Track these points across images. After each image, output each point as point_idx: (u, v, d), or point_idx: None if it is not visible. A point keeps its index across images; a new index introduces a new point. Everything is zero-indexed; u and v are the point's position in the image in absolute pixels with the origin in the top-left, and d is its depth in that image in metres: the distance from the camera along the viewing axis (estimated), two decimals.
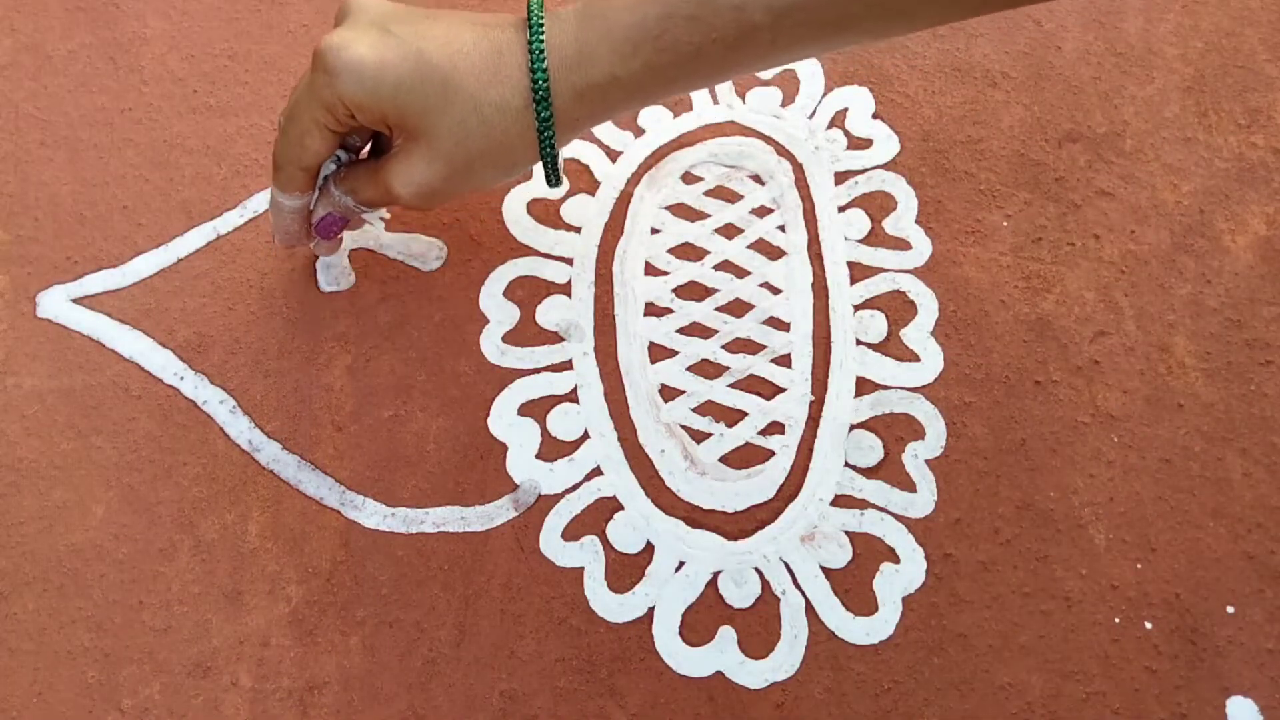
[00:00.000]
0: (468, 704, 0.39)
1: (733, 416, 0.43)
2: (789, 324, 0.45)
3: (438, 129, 0.34)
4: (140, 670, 0.40)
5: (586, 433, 0.43)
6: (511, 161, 0.36)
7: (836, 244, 0.46)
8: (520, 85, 0.34)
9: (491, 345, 0.44)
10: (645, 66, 0.33)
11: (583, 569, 0.41)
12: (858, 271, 0.46)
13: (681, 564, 0.41)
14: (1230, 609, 0.40)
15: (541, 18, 0.34)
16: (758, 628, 0.40)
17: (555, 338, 0.45)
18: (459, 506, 0.42)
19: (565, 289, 0.45)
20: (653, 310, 0.45)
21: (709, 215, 0.47)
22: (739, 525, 0.42)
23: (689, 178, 0.47)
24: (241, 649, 0.40)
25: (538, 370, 0.44)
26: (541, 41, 0.34)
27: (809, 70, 0.49)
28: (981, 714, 0.39)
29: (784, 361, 0.44)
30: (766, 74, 0.49)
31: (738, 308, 0.45)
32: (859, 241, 0.46)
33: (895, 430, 0.43)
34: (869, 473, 0.42)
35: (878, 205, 0.47)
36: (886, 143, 0.48)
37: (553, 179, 0.38)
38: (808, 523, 0.42)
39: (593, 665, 0.40)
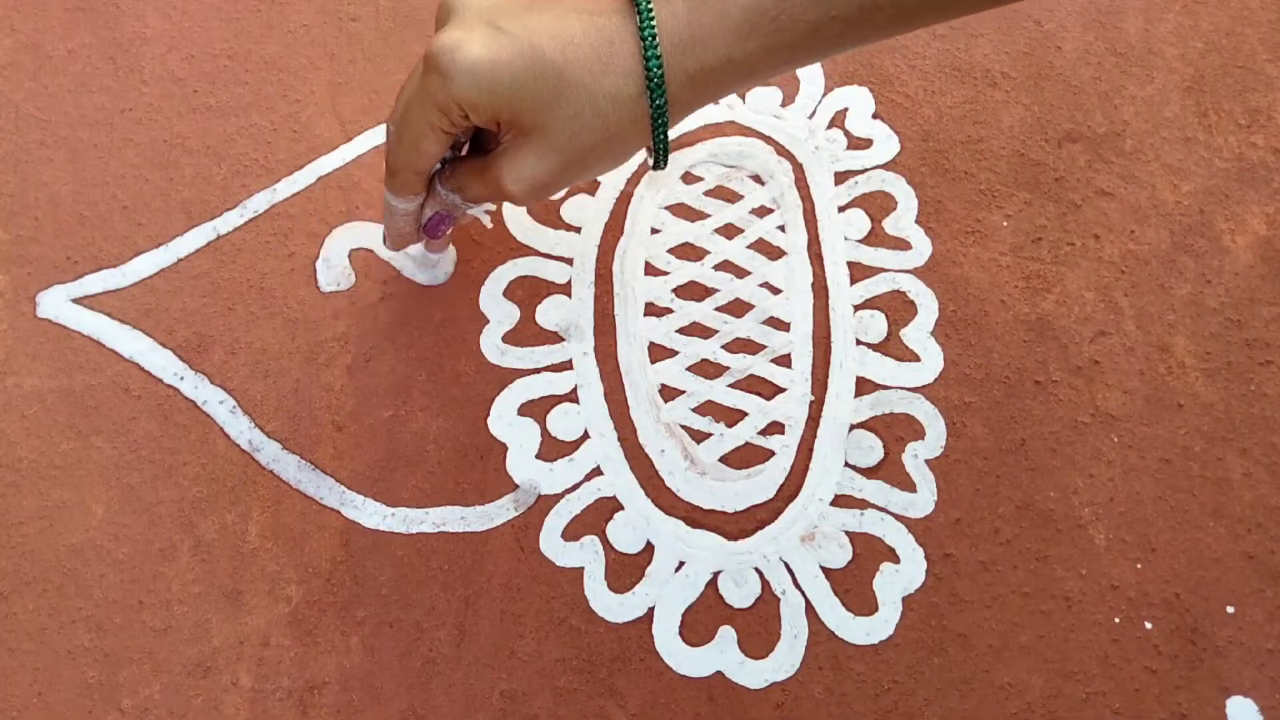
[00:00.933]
0: (468, 704, 0.39)
1: (733, 416, 0.43)
2: (789, 324, 0.45)
3: (552, 123, 0.34)
4: (140, 670, 0.40)
5: (586, 433, 0.43)
6: (624, 150, 0.36)
7: (836, 244, 0.46)
8: (634, 73, 0.33)
9: (491, 345, 0.44)
10: (761, 48, 0.33)
11: (583, 569, 0.41)
12: (858, 271, 0.46)
13: (681, 564, 0.41)
14: (1230, 609, 0.40)
15: (650, 4, 0.33)
16: (758, 628, 0.40)
17: (555, 338, 0.45)
18: (459, 506, 0.42)
19: (565, 289, 0.45)
20: (653, 310, 0.45)
21: (709, 215, 0.47)
22: (739, 525, 0.42)
23: (689, 178, 0.47)
24: (241, 649, 0.40)
25: (538, 370, 0.44)
26: (653, 26, 0.33)
27: (809, 70, 0.49)
28: (981, 714, 0.39)
29: (784, 361, 0.44)
30: None
31: (738, 308, 0.45)
32: (859, 241, 0.46)
33: (895, 430, 0.43)
34: (869, 473, 0.42)
35: (878, 205, 0.47)
36: (886, 143, 0.48)
37: (662, 161, 0.37)
38: (808, 523, 0.42)
39: (593, 665, 0.40)
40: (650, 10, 0.33)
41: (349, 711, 0.39)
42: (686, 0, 0.33)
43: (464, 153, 0.39)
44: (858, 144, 0.48)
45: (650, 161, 0.37)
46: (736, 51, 0.33)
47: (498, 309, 0.45)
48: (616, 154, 0.36)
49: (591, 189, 0.47)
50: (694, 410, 0.43)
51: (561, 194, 0.47)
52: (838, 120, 0.49)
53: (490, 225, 0.46)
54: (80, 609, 0.40)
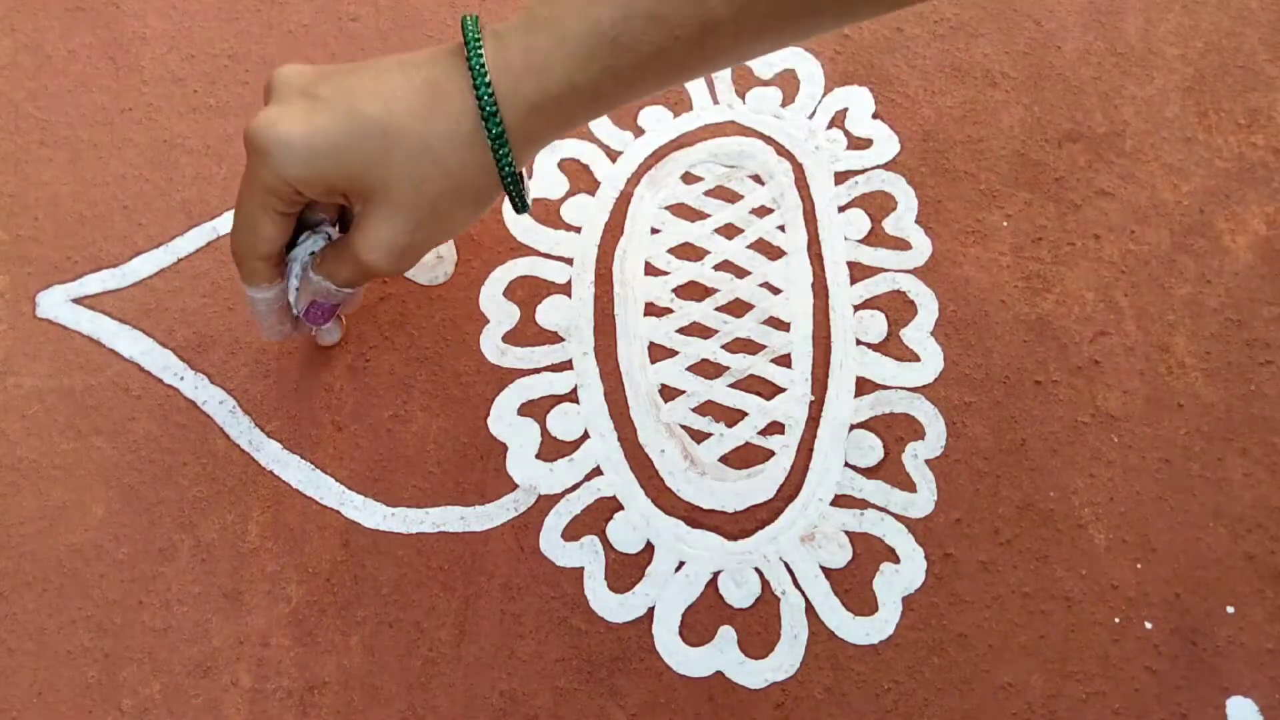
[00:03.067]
0: (468, 704, 0.39)
1: (733, 416, 0.43)
2: (789, 324, 0.45)
3: (389, 182, 0.32)
4: (140, 670, 0.40)
5: (586, 433, 0.43)
6: (476, 193, 0.34)
7: (836, 244, 0.46)
8: (467, 110, 0.32)
9: (491, 345, 0.44)
10: (604, 71, 0.31)
11: (583, 569, 0.41)
12: (858, 271, 0.46)
13: (681, 564, 0.41)
14: (1230, 609, 0.40)
15: (478, 33, 0.32)
16: (758, 628, 0.40)
17: (555, 338, 0.45)
18: (459, 506, 0.42)
19: (565, 289, 0.45)
20: (653, 310, 0.45)
21: (709, 215, 0.47)
22: (739, 525, 0.42)
23: (689, 178, 0.47)
24: (241, 649, 0.40)
25: (538, 370, 0.44)
26: (481, 57, 0.32)
27: (809, 70, 0.49)
28: (981, 714, 0.39)
29: (784, 361, 0.44)
30: (766, 74, 0.49)
31: (738, 308, 0.45)
32: (859, 241, 0.46)
33: (895, 430, 0.43)
34: (869, 473, 0.42)
35: (878, 205, 0.47)
36: (886, 143, 0.48)
37: (519, 204, 0.35)
38: (808, 523, 0.42)
39: (593, 665, 0.40)
40: (479, 42, 0.32)
41: (349, 711, 0.39)
42: (519, 30, 0.32)
43: (334, 236, 0.38)
44: (858, 144, 0.48)
45: (512, 205, 0.35)
46: (579, 77, 0.31)
47: (498, 309, 0.45)
48: (470, 200, 0.34)
49: (591, 189, 0.47)
50: (694, 410, 0.43)
51: (561, 194, 0.47)
52: (838, 120, 0.49)
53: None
54: (80, 609, 0.40)
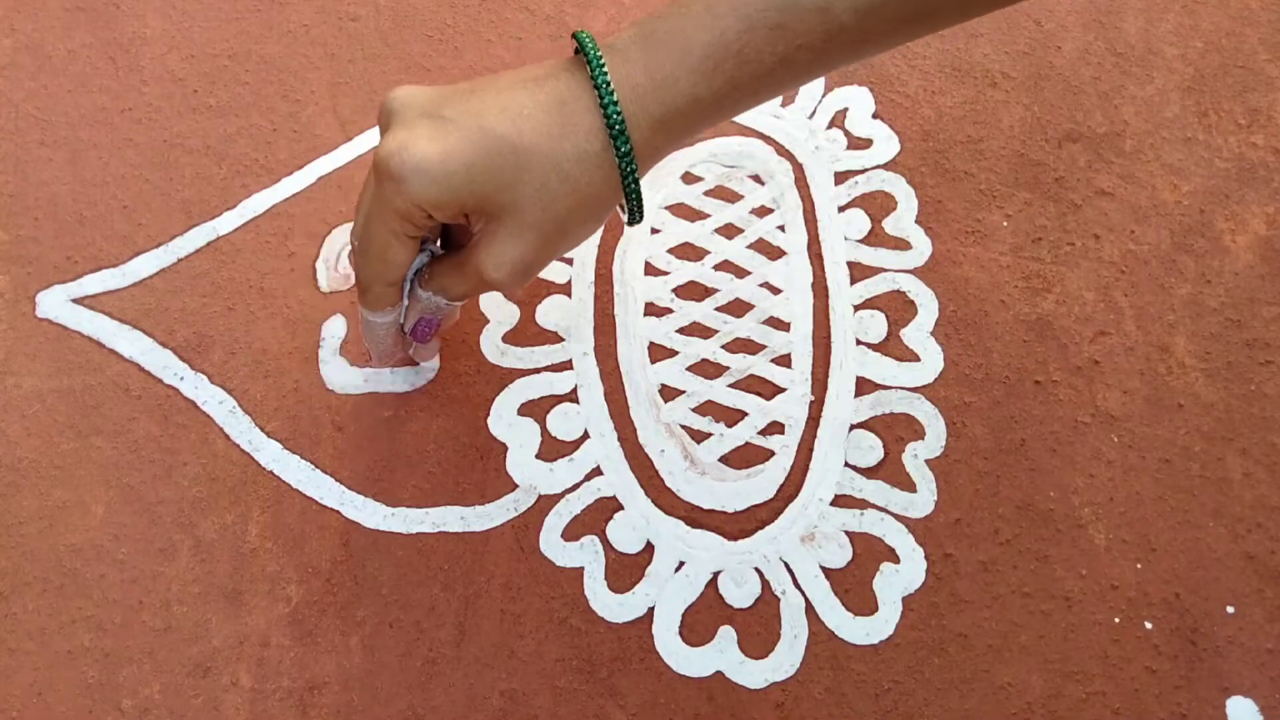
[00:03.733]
0: (468, 704, 0.39)
1: (733, 416, 0.43)
2: (789, 324, 0.45)
3: (520, 201, 0.32)
4: (140, 670, 0.40)
5: (586, 433, 0.43)
6: (600, 209, 0.34)
7: (836, 244, 0.46)
8: (595, 128, 0.32)
9: (491, 345, 0.44)
10: (728, 83, 0.31)
11: (583, 569, 0.41)
12: (858, 271, 0.46)
13: (681, 564, 0.41)
14: (1230, 609, 0.40)
15: (599, 53, 0.32)
16: (758, 628, 0.40)
17: (555, 338, 0.45)
18: (459, 506, 0.42)
19: (565, 289, 0.45)
20: (653, 310, 0.45)
21: (709, 215, 0.47)
22: (739, 525, 0.42)
23: (689, 178, 0.47)
24: (241, 649, 0.40)
25: (538, 370, 0.44)
26: (606, 75, 0.31)
27: None
28: (981, 714, 0.39)
29: (784, 361, 0.44)
30: None
31: (738, 308, 0.45)
32: (859, 241, 0.46)
33: (895, 430, 0.43)
34: (869, 473, 0.42)
35: (878, 205, 0.47)
36: (886, 143, 0.48)
37: (637, 215, 0.35)
38: (808, 523, 0.42)
39: (593, 665, 0.40)
40: (601, 60, 0.32)
41: (349, 711, 0.39)
42: (640, 44, 0.32)
43: (438, 252, 0.37)
44: (858, 144, 0.48)
45: (625, 218, 0.36)
46: (703, 90, 0.31)
47: (498, 309, 0.45)
48: (594, 215, 0.34)
49: None
50: (694, 410, 0.43)
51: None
52: (838, 120, 0.49)
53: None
54: (80, 609, 0.40)
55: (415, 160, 0.31)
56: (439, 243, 0.38)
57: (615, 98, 0.31)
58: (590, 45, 0.32)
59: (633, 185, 0.33)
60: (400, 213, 0.32)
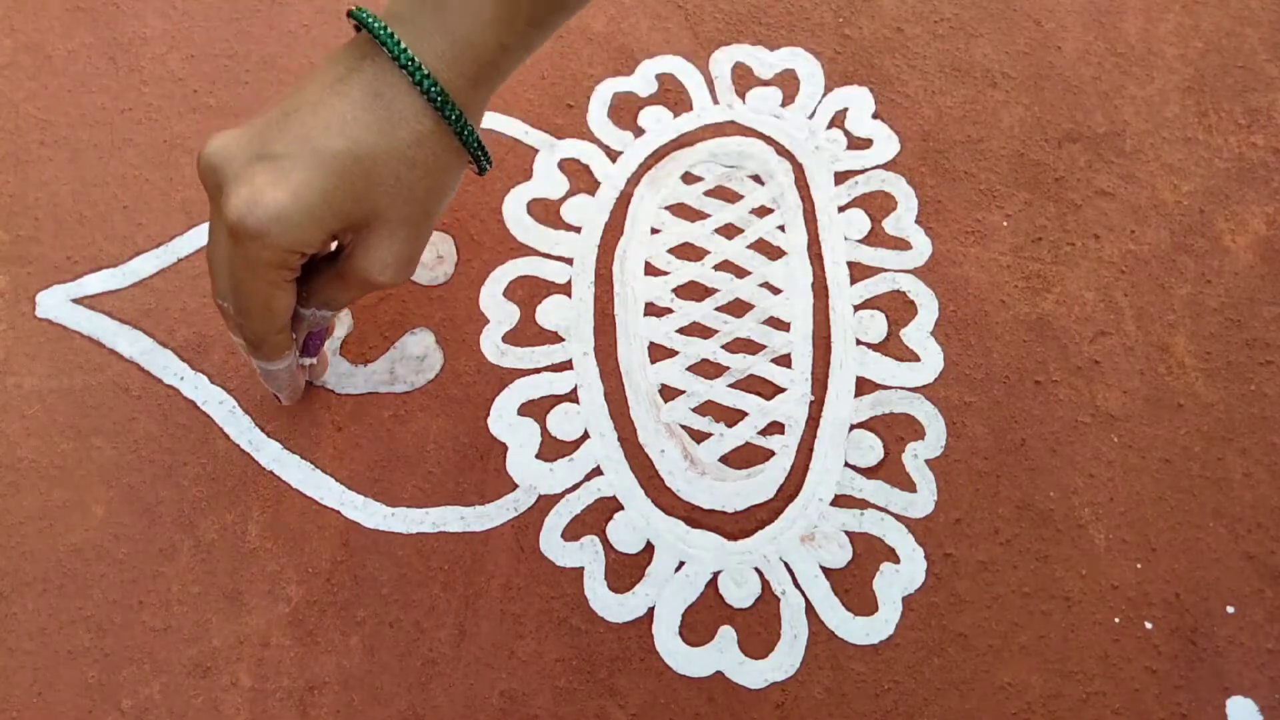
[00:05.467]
0: (468, 704, 0.39)
1: (733, 416, 0.43)
2: (789, 324, 0.45)
3: (380, 205, 0.32)
4: (140, 670, 0.40)
5: (586, 433, 0.43)
6: (452, 177, 0.34)
7: (836, 244, 0.46)
8: (420, 109, 0.31)
9: (491, 345, 0.44)
10: (528, 22, 0.32)
11: (583, 569, 0.41)
12: (858, 271, 0.46)
13: (681, 564, 0.41)
14: (1230, 609, 0.40)
15: (391, 31, 0.31)
16: (758, 628, 0.40)
17: (555, 338, 0.45)
18: (459, 506, 0.42)
19: (565, 289, 0.45)
20: (653, 310, 0.45)
21: (709, 215, 0.47)
22: (739, 525, 0.42)
23: (689, 178, 0.47)
24: (241, 649, 0.40)
25: (538, 370, 0.44)
26: (409, 53, 0.31)
27: (809, 70, 0.49)
28: (981, 714, 0.39)
29: (784, 361, 0.44)
30: (766, 74, 0.49)
31: (738, 308, 0.45)
32: (859, 241, 0.46)
33: (895, 430, 0.43)
34: (869, 473, 0.42)
35: (878, 205, 0.47)
36: (886, 143, 0.48)
37: (484, 162, 0.35)
38: (808, 523, 0.42)
39: (593, 665, 0.40)
40: (397, 39, 0.31)
41: (349, 711, 0.39)
42: (429, 10, 0.31)
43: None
44: (858, 144, 0.48)
45: (476, 169, 0.35)
46: (506, 36, 0.32)
47: (498, 309, 0.45)
48: (450, 184, 0.34)
49: (591, 189, 0.47)
50: (694, 410, 0.43)
51: (561, 194, 0.47)
52: (838, 120, 0.49)
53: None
54: (80, 609, 0.40)
55: (270, 211, 0.30)
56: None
57: (426, 72, 0.31)
58: (378, 26, 0.31)
59: (473, 142, 0.33)
60: (272, 264, 0.31)
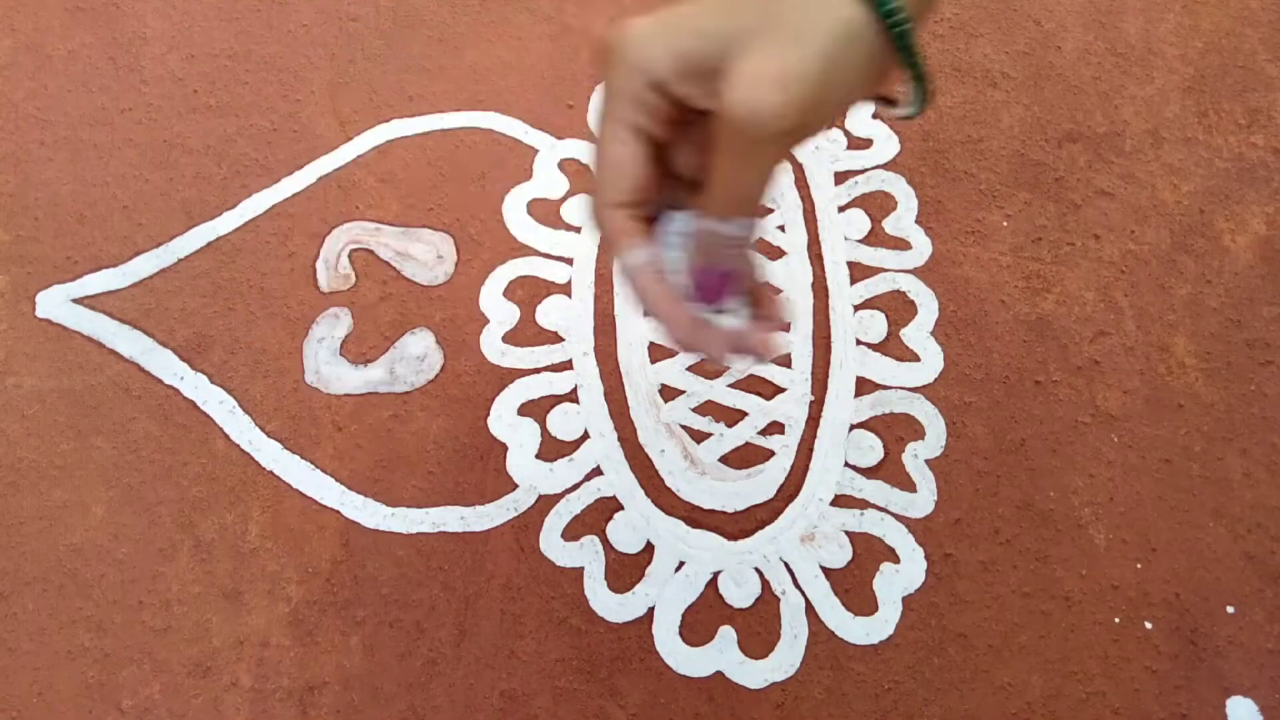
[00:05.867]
0: (468, 704, 0.39)
1: (733, 416, 0.43)
2: (789, 324, 0.45)
3: (767, 24, 0.26)
4: (140, 670, 0.40)
5: (586, 433, 0.43)
6: (869, 53, 0.27)
7: (836, 244, 0.46)
8: None
9: (491, 345, 0.44)
10: None
11: (583, 569, 0.41)
12: (858, 271, 0.46)
13: (681, 564, 0.41)
14: (1230, 609, 0.40)
15: None
16: (758, 628, 0.40)
17: (555, 338, 0.45)
18: (459, 506, 0.42)
19: (565, 289, 0.45)
20: None
21: None
22: (739, 525, 0.42)
23: None
24: (241, 649, 0.40)
25: (538, 370, 0.44)
26: None
27: None
28: (981, 714, 0.39)
29: (784, 361, 0.44)
30: None
31: None
32: (859, 241, 0.46)
33: (895, 430, 0.43)
34: (869, 473, 0.42)
35: (878, 205, 0.47)
36: (886, 143, 0.48)
37: (919, 80, 0.28)
38: (808, 522, 0.42)
39: (593, 665, 0.40)
40: None
41: (349, 711, 0.39)
42: None
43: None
44: (858, 144, 0.48)
45: (904, 107, 0.28)
46: None
47: (498, 309, 0.45)
48: (864, 56, 0.27)
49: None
50: (694, 410, 0.43)
51: (561, 194, 0.47)
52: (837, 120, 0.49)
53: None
54: (80, 609, 0.40)
55: (636, 28, 0.27)
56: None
57: None
58: None
59: (903, 32, 0.26)
60: (629, 96, 0.27)
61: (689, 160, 0.29)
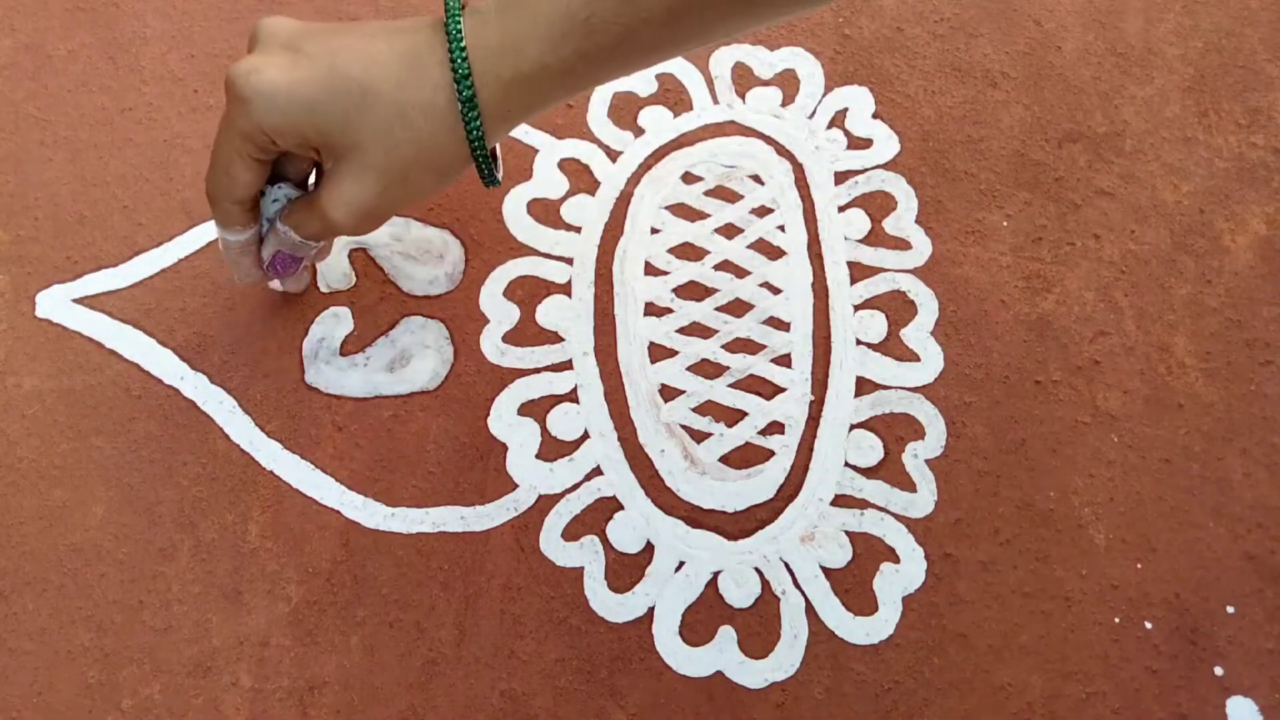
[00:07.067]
0: (468, 704, 0.39)
1: (733, 416, 0.43)
2: (789, 324, 0.45)
3: (363, 142, 0.33)
4: (140, 670, 0.40)
5: (586, 432, 0.43)
6: (446, 164, 0.35)
7: (836, 244, 0.46)
8: (442, 83, 0.33)
9: (491, 345, 0.44)
10: (576, 53, 0.32)
11: (583, 569, 0.41)
12: (858, 271, 0.46)
13: (681, 564, 0.41)
14: (1230, 609, 0.40)
15: (458, 9, 0.33)
16: (758, 628, 0.40)
17: (555, 338, 0.45)
18: (459, 506, 0.42)
19: (565, 289, 0.46)
20: (653, 310, 0.45)
21: (709, 215, 0.47)
22: (739, 525, 0.42)
23: (689, 178, 0.47)
24: (241, 649, 0.40)
25: (538, 370, 0.44)
26: (460, 32, 0.32)
27: (809, 70, 0.49)
28: (981, 714, 0.39)
29: (784, 361, 0.44)
30: (766, 74, 0.49)
31: (738, 307, 0.45)
32: (859, 241, 0.46)
33: (895, 430, 0.43)
34: (869, 473, 0.42)
35: (878, 205, 0.47)
36: (886, 143, 0.48)
37: (488, 177, 0.36)
38: (808, 522, 0.42)
39: (593, 665, 0.40)
40: (458, 16, 0.33)
41: (349, 711, 0.39)
42: (497, 9, 0.33)
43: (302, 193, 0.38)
44: (858, 144, 0.48)
45: (481, 177, 0.36)
46: (551, 57, 0.32)
47: (498, 309, 0.45)
48: (438, 168, 0.35)
49: (591, 189, 0.47)
50: (694, 410, 0.43)
51: (561, 194, 0.47)
52: (838, 120, 0.49)
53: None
54: (80, 609, 0.40)
55: (262, 85, 0.32)
56: (311, 183, 0.39)
57: (463, 45, 0.32)
58: (453, 3, 0.33)
59: (477, 139, 0.34)
60: (243, 133, 0.33)
61: (289, 165, 0.37)
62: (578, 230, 0.46)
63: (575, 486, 0.42)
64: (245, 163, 0.35)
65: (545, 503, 0.42)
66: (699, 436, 0.43)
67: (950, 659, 0.40)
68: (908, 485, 0.42)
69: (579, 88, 0.34)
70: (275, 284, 0.43)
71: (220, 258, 0.46)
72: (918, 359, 0.44)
